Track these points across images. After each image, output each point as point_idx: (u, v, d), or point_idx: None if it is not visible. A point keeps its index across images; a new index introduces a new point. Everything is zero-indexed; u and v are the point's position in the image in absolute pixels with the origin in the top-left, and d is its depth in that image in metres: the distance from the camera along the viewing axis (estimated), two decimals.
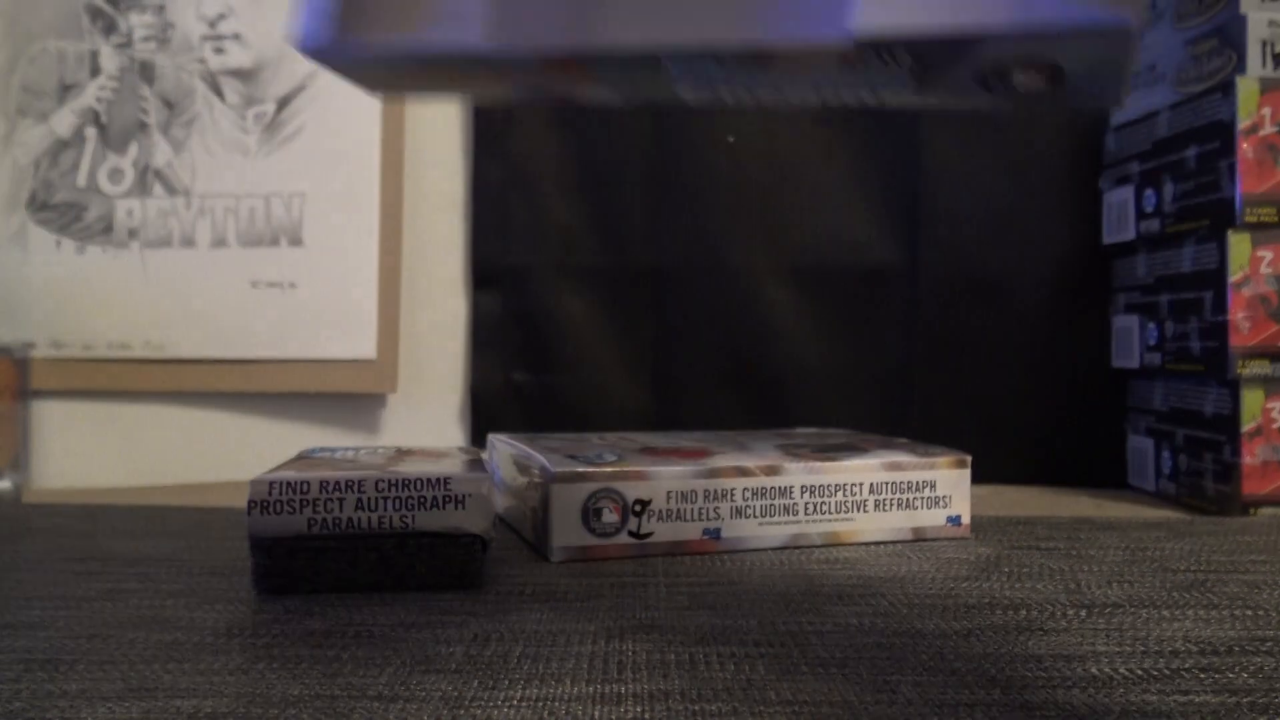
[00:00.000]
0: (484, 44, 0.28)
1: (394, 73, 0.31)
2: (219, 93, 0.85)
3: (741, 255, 0.84)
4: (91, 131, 0.85)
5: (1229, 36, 0.68)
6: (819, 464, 0.55)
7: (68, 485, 0.86)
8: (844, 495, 0.55)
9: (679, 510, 0.52)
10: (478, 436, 0.85)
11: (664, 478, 0.52)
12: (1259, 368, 0.66)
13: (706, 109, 0.84)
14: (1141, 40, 0.78)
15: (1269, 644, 0.38)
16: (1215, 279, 0.68)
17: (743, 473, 0.53)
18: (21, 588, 0.45)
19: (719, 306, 0.84)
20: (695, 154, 0.84)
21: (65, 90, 0.85)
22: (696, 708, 0.31)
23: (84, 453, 0.86)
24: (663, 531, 0.52)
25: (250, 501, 0.43)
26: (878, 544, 0.56)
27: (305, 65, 0.84)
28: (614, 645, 0.37)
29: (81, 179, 0.85)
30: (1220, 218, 0.67)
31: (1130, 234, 0.78)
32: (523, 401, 0.85)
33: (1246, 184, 0.66)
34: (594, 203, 0.84)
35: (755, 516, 0.54)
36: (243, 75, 0.85)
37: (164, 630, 0.39)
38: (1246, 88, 0.66)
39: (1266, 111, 0.66)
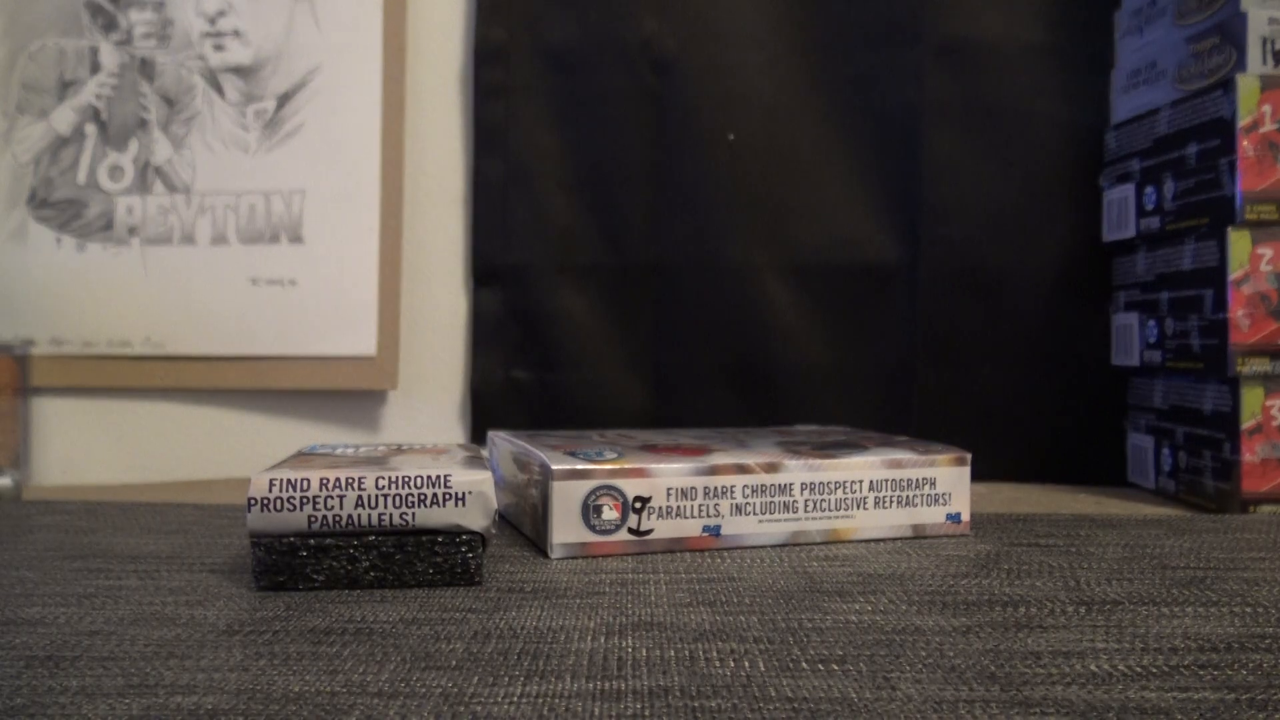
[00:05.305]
0: None
1: None
2: (219, 90, 0.85)
3: (742, 253, 0.84)
4: (91, 128, 0.85)
5: (1229, 33, 0.68)
6: (819, 461, 0.55)
7: (68, 482, 0.86)
8: (844, 492, 0.55)
9: (679, 507, 0.52)
10: (478, 434, 0.85)
11: (664, 475, 0.52)
12: (1259, 365, 0.66)
13: (707, 106, 0.84)
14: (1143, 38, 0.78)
15: (1268, 641, 0.38)
16: (1215, 276, 0.68)
17: (743, 470, 0.53)
18: (22, 585, 0.45)
19: (719, 304, 0.84)
20: (695, 152, 0.84)
21: (65, 87, 0.85)
22: (696, 704, 0.31)
23: (84, 450, 0.86)
24: (662, 528, 0.52)
25: (250, 498, 0.43)
26: (877, 541, 0.56)
27: (306, 62, 0.84)
28: (614, 642, 0.37)
29: (82, 176, 0.85)
30: (1220, 215, 0.67)
31: (1130, 231, 0.78)
32: (523, 399, 0.85)
33: (1247, 181, 0.66)
34: (594, 200, 0.84)
35: (755, 513, 0.54)
36: (243, 72, 0.84)
37: (164, 627, 0.39)
38: (1247, 85, 0.66)
39: (1267, 109, 0.66)
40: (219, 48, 0.85)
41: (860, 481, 0.56)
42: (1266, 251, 0.66)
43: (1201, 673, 0.34)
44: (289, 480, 0.44)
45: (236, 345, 0.84)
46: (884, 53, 0.83)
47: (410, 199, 0.86)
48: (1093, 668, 0.34)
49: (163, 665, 0.34)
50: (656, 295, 0.84)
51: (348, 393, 0.86)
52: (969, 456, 0.58)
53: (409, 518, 0.44)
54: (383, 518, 0.44)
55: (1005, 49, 0.83)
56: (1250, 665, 0.35)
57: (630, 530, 0.52)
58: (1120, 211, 0.79)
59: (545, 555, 0.51)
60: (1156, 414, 0.77)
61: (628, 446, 0.58)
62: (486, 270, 0.85)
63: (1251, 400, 0.66)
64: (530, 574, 0.48)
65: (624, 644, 0.37)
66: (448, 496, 0.45)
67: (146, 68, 0.85)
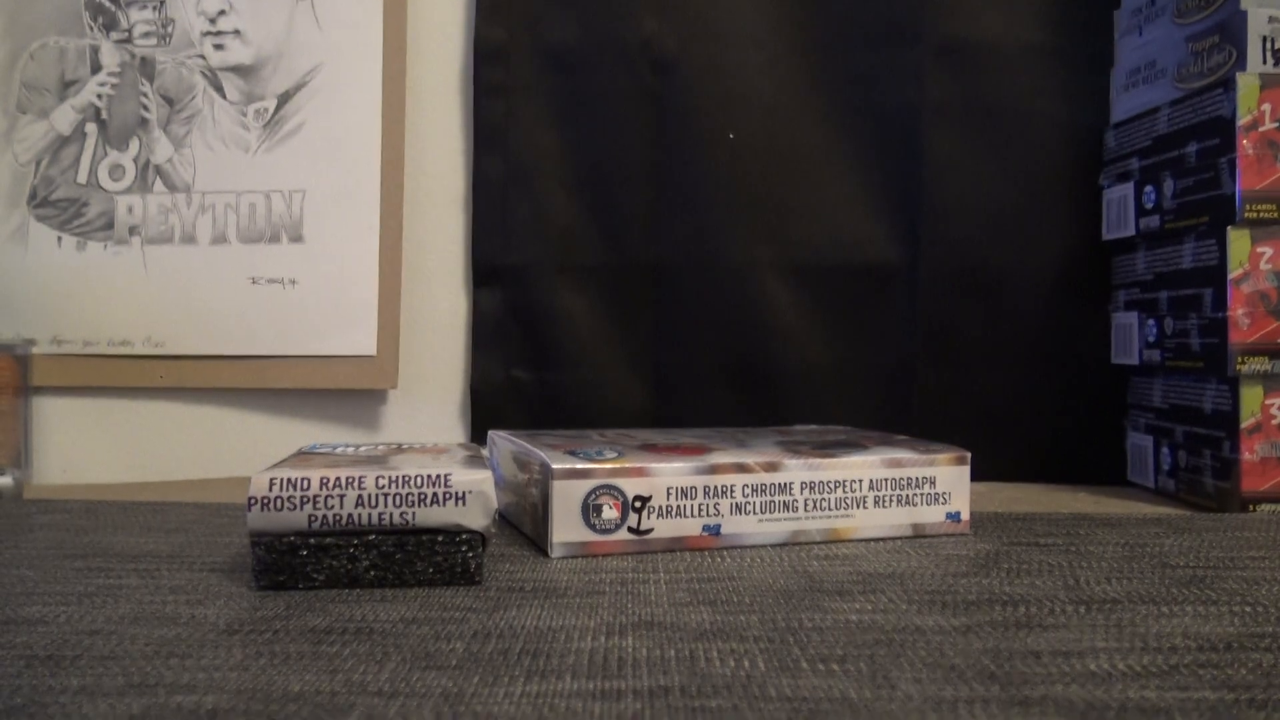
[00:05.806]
0: None
1: None
2: (219, 89, 0.85)
3: (742, 252, 0.84)
4: (92, 128, 0.85)
5: (1229, 32, 0.68)
6: (819, 460, 0.55)
7: (69, 481, 0.86)
8: (844, 492, 0.55)
9: (679, 506, 0.52)
10: (478, 433, 0.85)
11: (664, 474, 0.52)
12: (1258, 364, 0.66)
13: (707, 107, 0.84)
14: (1143, 36, 0.78)
15: (1267, 640, 0.38)
16: (1215, 275, 0.68)
17: (742, 469, 0.53)
18: (22, 583, 0.45)
19: (719, 304, 0.84)
20: (695, 152, 0.84)
21: (66, 86, 0.85)
22: (696, 704, 0.31)
23: (85, 449, 0.86)
24: (662, 528, 0.52)
25: (251, 498, 0.43)
26: (877, 540, 0.56)
27: (306, 61, 0.84)
28: (614, 641, 0.37)
29: (82, 175, 0.85)
30: (1220, 214, 0.67)
31: (1130, 230, 0.78)
32: (523, 398, 0.85)
33: (1246, 180, 0.66)
34: (594, 200, 0.84)
35: (755, 513, 0.54)
36: (243, 71, 0.84)
37: (165, 626, 0.39)
38: (1247, 84, 0.66)
39: (1266, 107, 0.66)
40: (219, 47, 0.85)
41: (860, 481, 0.56)
42: (1266, 250, 0.66)
43: (1201, 672, 0.34)
44: (289, 479, 0.44)
45: (237, 345, 0.84)
46: (884, 53, 0.83)
47: (410, 199, 0.86)
48: (1092, 667, 0.34)
49: (163, 664, 0.34)
50: (656, 295, 0.84)
51: (348, 392, 0.86)
52: (969, 456, 0.58)
53: (409, 517, 0.44)
54: (383, 517, 0.44)
55: (1005, 49, 0.83)
56: (1250, 664, 0.35)
57: (630, 529, 0.52)
58: (1120, 210, 0.79)
59: (545, 554, 0.51)
60: (1156, 413, 0.77)
61: (628, 446, 0.58)
62: (486, 270, 0.85)
63: (1251, 399, 0.66)
64: (530, 573, 0.48)
65: (624, 643, 0.37)
66: (448, 496, 0.45)
67: (147, 67, 0.85)
